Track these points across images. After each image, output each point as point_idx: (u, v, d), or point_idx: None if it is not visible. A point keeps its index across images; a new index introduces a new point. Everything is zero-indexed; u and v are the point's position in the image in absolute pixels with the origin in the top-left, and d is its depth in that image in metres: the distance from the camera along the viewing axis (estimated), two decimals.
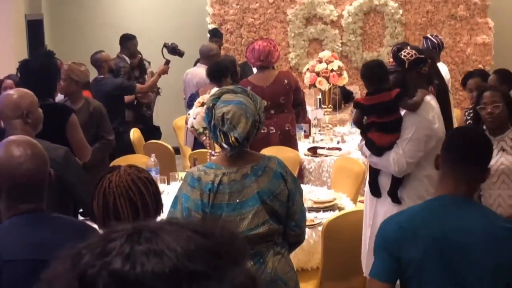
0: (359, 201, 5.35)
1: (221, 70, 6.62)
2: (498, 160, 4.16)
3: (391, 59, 4.36)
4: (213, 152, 5.44)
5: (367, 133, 4.33)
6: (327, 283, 4.38)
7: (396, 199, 4.23)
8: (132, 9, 11.09)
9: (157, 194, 2.62)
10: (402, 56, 4.26)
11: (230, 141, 3.08)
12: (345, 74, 7.55)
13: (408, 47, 4.36)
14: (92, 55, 7.85)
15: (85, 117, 5.39)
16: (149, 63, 9.35)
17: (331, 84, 7.46)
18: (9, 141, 2.54)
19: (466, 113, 5.62)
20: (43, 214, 2.47)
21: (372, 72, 4.28)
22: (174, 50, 8.46)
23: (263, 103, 3.31)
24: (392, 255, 2.59)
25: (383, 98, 4.22)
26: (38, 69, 4.62)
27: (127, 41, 9.14)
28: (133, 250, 0.75)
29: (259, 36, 9.68)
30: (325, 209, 4.84)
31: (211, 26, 10.05)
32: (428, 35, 7.97)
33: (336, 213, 4.68)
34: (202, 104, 5.34)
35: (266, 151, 5.50)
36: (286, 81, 6.36)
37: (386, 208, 4.21)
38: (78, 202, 3.63)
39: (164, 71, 8.25)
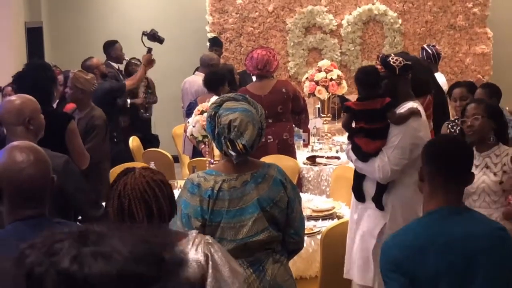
0: None
1: (218, 79, 6.63)
2: (480, 178, 4.16)
3: (380, 66, 4.36)
4: (211, 160, 5.44)
5: (355, 138, 4.35)
6: None
7: (380, 205, 4.23)
8: (131, 17, 11.10)
9: (171, 197, 2.61)
10: (392, 63, 4.27)
11: (238, 148, 3.09)
12: (344, 83, 7.54)
13: (393, 55, 4.38)
14: (83, 62, 7.83)
15: (84, 125, 5.43)
16: (140, 61, 9.29)
17: (330, 93, 7.45)
18: (12, 146, 2.55)
19: (449, 125, 5.50)
20: (45, 220, 2.46)
21: (366, 78, 4.29)
22: (154, 36, 8.20)
23: (263, 112, 3.32)
24: (405, 276, 2.56)
25: (373, 105, 4.24)
26: (33, 83, 4.64)
27: (109, 48, 9.13)
28: (80, 251, 0.76)
29: (259, 44, 9.70)
30: (324, 218, 4.84)
31: (210, 35, 10.07)
32: (425, 46, 8.00)
33: (335, 222, 4.68)
34: (202, 112, 5.34)
35: (265, 160, 5.49)
36: (284, 90, 6.36)
37: (369, 213, 4.24)
38: (77, 210, 3.62)
39: (148, 60, 7.90)
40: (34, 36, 9.77)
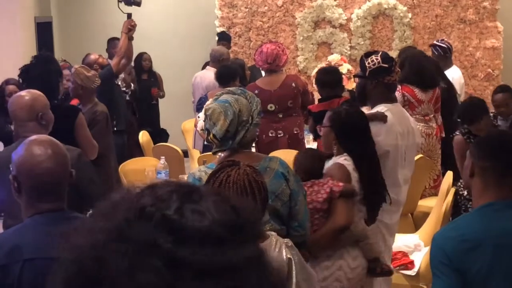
0: None
1: (230, 74, 6.62)
2: None
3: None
4: (221, 154, 5.44)
5: (318, 140, 4.26)
6: None
7: None
8: (140, 12, 11.10)
9: (265, 202, 2.62)
10: (366, 63, 4.17)
11: (209, 137, 3.13)
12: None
13: (379, 54, 4.21)
14: (83, 59, 7.81)
15: (87, 120, 5.44)
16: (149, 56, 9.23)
17: None
18: (31, 140, 2.56)
19: (465, 136, 5.12)
20: (64, 213, 2.47)
21: (325, 78, 4.22)
22: (129, 0, 7.91)
23: (260, 109, 3.29)
24: (457, 270, 2.53)
25: (331, 105, 4.12)
26: (39, 76, 4.65)
27: (111, 44, 9.11)
28: (183, 205, 0.93)
29: (268, 39, 9.69)
30: None
31: (219, 29, 10.06)
32: (436, 42, 7.93)
33: None
34: None
35: (275, 155, 5.49)
36: (293, 84, 6.35)
37: None
38: (89, 202, 3.63)
39: (128, 27, 7.50)
40: (43, 31, 9.79)
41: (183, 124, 8.44)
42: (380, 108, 4.13)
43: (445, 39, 8.16)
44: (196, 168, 3.28)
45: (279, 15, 10.12)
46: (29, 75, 4.78)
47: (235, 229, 0.93)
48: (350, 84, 7.47)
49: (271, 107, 6.23)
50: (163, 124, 9.63)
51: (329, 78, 4.14)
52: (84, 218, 2.58)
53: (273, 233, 2.74)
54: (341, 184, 3.62)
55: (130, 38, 7.53)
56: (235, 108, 3.13)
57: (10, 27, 8.56)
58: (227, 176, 2.55)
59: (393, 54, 9.65)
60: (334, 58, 7.63)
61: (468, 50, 9.95)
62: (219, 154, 5.19)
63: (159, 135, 8.95)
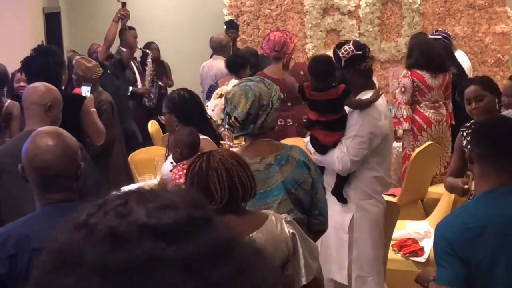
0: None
1: (240, 61, 6.61)
2: None
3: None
4: (231, 144, 5.45)
5: (312, 130, 4.25)
6: None
7: (341, 199, 4.16)
8: (150, 2, 11.10)
9: (253, 177, 2.62)
10: (340, 54, 4.16)
11: (231, 121, 3.13)
12: None
13: (350, 43, 4.21)
14: (88, 50, 7.82)
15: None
16: (148, 54, 9.19)
17: None
18: (38, 131, 2.58)
19: (464, 133, 4.78)
20: (74, 205, 2.49)
21: (317, 68, 4.20)
22: None
23: (280, 94, 3.31)
24: (461, 259, 2.52)
25: (329, 95, 4.12)
26: (41, 68, 4.66)
27: (121, 34, 9.08)
28: (148, 207, 0.84)
29: (276, 27, 9.66)
30: None
31: (228, 18, 10.04)
32: (433, 35, 7.76)
33: None
34: (220, 96, 5.35)
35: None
36: (302, 72, 6.32)
37: (334, 207, 4.07)
38: (84, 196, 3.63)
39: (118, 15, 7.48)
40: (52, 22, 9.81)
41: None
42: (368, 95, 4.12)
43: (440, 30, 8.10)
44: None
45: (288, 2, 10.09)
46: (29, 68, 4.80)
47: (204, 207, 0.89)
48: None
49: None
50: None
51: (322, 69, 4.17)
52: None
53: (269, 211, 2.74)
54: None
55: (123, 27, 7.52)
56: (256, 91, 3.14)
57: (19, 18, 8.57)
58: (205, 165, 2.54)
59: (403, 40, 9.62)
60: None
61: (477, 36, 9.89)
62: (233, 145, 5.23)
63: None
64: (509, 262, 2.52)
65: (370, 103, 4.07)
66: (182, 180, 3.82)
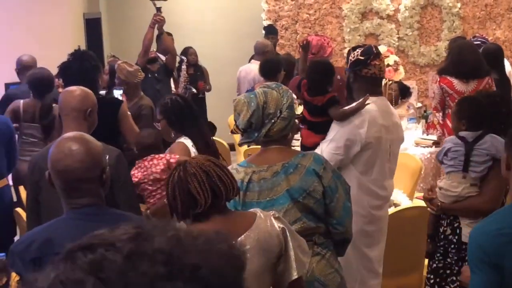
0: (416, 198, 5.28)
1: (273, 66, 6.62)
2: None
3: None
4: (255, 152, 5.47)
5: (301, 128, 4.32)
6: (386, 279, 4.34)
7: None
8: (188, 7, 11.17)
9: (232, 175, 2.64)
10: (350, 56, 4.17)
11: (233, 129, 3.13)
12: (401, 69, 7.47)
13: (362, 47, 4.20)
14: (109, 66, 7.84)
15: (132, 115, 5.48)
16: (183, 60, 9.21)
17: (387, 79, 7.38)
18: (62, 137, 2.59)
19: None
20: (97, 209, 2.50)
21: (313, 75, 4.32)
22: None
23: (293, 102, 3.24)
24: (494, 267, 2.46)
25: (316, 101, 4.25)
26: (78, 72, 4.71)
27: (157, 40, 9.12)
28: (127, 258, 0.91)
29: (314, 31, 9.66)
30: None
31: (266, 22, 10.05)
32: (477, 41, 7.63)
33: (393, 209, 4.64)
34: None
35: None
36: (338, 76, 6.29)
37: None
38: (118, 206, 3.64)
39: (155, 21, 7.52)
40: (92, 27, 9.91)
41: (230, 117, 8.47)
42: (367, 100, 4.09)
43: (478, 35, 7.95)
44: (229, 166, 3.20)
45: (326, 7, 10.08)
46: (67, 73, 4.84)
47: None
48: (397, 76, 7.41)
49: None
50: (210, 117, 9.67)
51: (317, 76, 4.27)
52: (117, 214, 2.61)
53: (257, 209, 2.74)
54: (177, 156, 4.19)
55: (160, 32, 7.58)
56: (260, 99, 3.09)
57: (59, 24, 8.69)
58: (183, 173, 2.54)
59: (442, 45, 9.53)
60: (380, 50, 7.56)
61: None
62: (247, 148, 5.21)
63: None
64: None
65: (351, 114, 4.05)
66: (136, 179, 4.19)
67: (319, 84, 4.32)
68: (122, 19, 11.12)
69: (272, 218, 2.68)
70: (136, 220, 2.61)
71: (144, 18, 11.01)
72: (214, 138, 7.65)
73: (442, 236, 3.97)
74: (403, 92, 8.10)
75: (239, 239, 2.55)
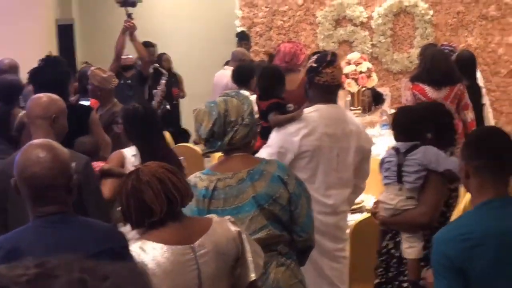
0: None
1: (246, 73, 6.62)
2: None
3: None
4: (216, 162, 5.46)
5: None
6: (355, 285, 4.35)
7: None
8: (162, 13, 11.15)
9: (185, 180, 2.63)
10: (308, 63, 4.18)
11: (195, 139, 3.13)
12: (374, 75, 7.51)
13: (319, 54, 4.18)
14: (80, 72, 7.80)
15: (105, 121, 5.46)
16: (164, 74, 9.14)
17: (360, 86, 7.42)
18: (30, 144, 2.57)
19: None
20: (63, 217, 2.47)
21: (261, 81, 4.38)
22: (123, 2, 7.77)
23: (253, 109, 3.24)
24: (458, 273, 2.49)
25: (260, 106, 4.34)
26: (49, 78, 4.68)
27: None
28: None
29: (288, 38, 9.68)
30: (353, 211, 4.81)
31: (240, 29, 10.06)
32: (445, 50, 7.65)
33: (364, 215, 4.65)
34: None
35: None
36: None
37: None
38: (85, 214, 3.62)
39: (126, 27, 7.48)
40: (65, 33, 9.86)
41: None
42: (313, 108, 4.08)
43: (445, 44, 7.98)
44: (192, 175, 3.20)
45: (300, 14, 10.11)
46: (37, 79, 4.82)
47: None
48: (370, 82, 7.44)
49: (289, 106, 6.20)
50: (185, 124, 9.65)
51: (264, 82, 4.33)
52: (85, 221, 2.59)
53: (213, 215, 2.74)
54: (101, 164, 4.32)
55: (132, 38, 7.53)
56: (221, 108, 3.08)
57: (32, 30, 8.63)
58: (136, 181, 2.52)
59: (415, 51, 9.60)
60: (353, 57, 7.60)
61: (490, 47, 9.86)
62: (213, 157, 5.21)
63: (181, 135, 8.97)
64: (510, 273, 2.49)
65: (285, 121, 4.06)
66: None
67: (267, 90, 4.37)
68: (95, 25, 11.07)
69: (228, 222, 2.68)
70: (101, 227, 2.60)
71: (117, 25, 10.95)
72: (187, 144, 7.66)
73: (384, 251, 3.89)
74: (376, 98, 8.14)
75: (196, 242, 2.54)
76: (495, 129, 3.28)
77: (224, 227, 2.65)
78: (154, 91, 8.69)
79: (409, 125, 3.83)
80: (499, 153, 2.65)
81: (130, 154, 4.33)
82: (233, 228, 2.67)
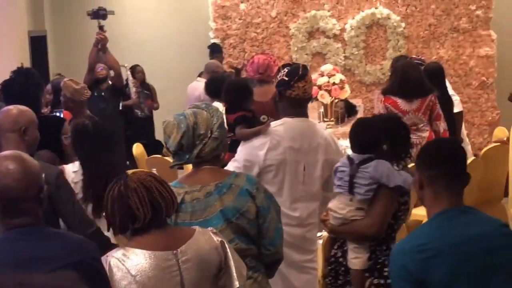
0: None
1: (218, 85, 6.62)
2: None
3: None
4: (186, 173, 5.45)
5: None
6: None
7: None
8: (135, 24, 11.13)
9: (173, 192, 2.64)
10: (278, 75, 4.14)
11: (163, 151, 3.13)
12: (347, 87, 7.55)
13: (289, 67, 4.13)
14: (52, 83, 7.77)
15: None
16: (125, 67, 9.11)
17: (333, 98, 7.46)
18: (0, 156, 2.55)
19: None
20: (33, 229, 2.46)
21: (227, 94, 4.42)
22: (96, 14, 7.78)
23: (223, 122, 3.20)
24: (418, 284, 2.51)
25: (229, 119, 4.33)
26: (20, 90, 4.66)
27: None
28: None
29: (262, 50, 9.71)
30: None
31: (214, 41, 10.07)
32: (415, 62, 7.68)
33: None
34: None
35: None
36: None
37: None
38: (65, 223, 3.59)
39: (97, 40, 7.46)
40: (38, 45, 9.81)
41: None
42: (281, 122, 4.09)
43: (414, 57, 8.07)
44: None
45: (273, 26, 10.14)
46: (8, 91, 4.79)
47: None
48: (343, 94, 7.48)
49: (264, 118, 6.21)
50: (159, 135, 9.62)
51: (232, 95, 4.37)
52: (55, 233, 2.57)
53: (195, 226, 2.75)
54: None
55: (103, 50, 7.50)
56: (190, 120, 3.05)
57: (3, 41, 8.57)
58: (123, 187, 2.54)
59: (388, 63, 9.67)
60: (326, 68, 7.64)
61: (462, 59, 9.97)
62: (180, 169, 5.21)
63: (154, 147, 8.94)
64: (469, 282, 2.52)
65: (251, 135, 4.08)
66: None
67: (234, 103, 4.39)
68: (68, 37, 11.02)
69: (211, 233, 2.70)
70: (72, 238, 2.58)
71: (90, 36, 10.91)
72: (160, 156, 7.63)
73: (333, 259, 3.89)
74: (349, 110, 8.18)
75: (179, 249, 2.56)
76: (448, 140, 3.32)
77: (206, 236, 2.67)
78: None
79: (365, 137, 3.83)
80: (451, 163, 2.69)
81: (71, 170, 4.24)
82: (216, 238, 2.68)
